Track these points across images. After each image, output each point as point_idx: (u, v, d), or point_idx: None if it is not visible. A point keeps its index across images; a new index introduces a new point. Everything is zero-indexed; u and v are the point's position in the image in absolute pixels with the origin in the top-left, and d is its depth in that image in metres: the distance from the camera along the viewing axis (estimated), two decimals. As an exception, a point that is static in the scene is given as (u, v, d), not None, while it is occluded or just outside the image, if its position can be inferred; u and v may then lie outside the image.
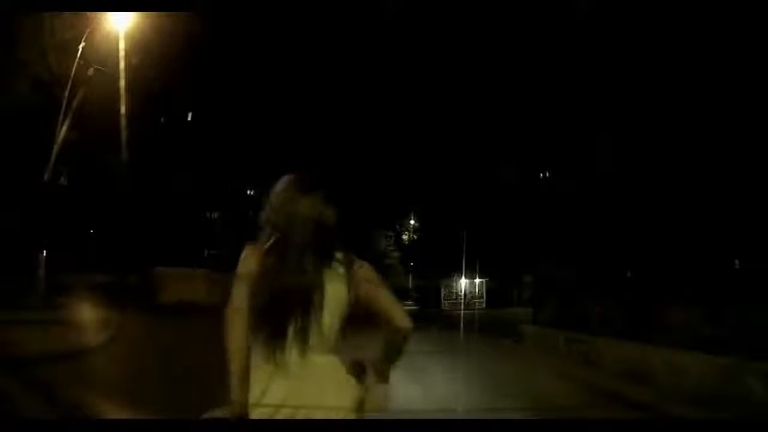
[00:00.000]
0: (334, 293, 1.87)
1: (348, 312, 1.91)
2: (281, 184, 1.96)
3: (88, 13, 12.25)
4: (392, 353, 1.95)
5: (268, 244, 1.89)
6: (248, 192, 30.73)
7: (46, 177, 12.96)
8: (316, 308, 1.84)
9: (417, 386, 6.68)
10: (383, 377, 1.93)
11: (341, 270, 1.90)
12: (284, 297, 1.83)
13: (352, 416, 1.86)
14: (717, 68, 11.25)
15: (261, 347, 1.84)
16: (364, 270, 1.93)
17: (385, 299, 1.94)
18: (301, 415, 1.78)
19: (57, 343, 7.60)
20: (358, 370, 1.95)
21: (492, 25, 19.38)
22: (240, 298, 1.85)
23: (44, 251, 12.95)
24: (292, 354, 1.82)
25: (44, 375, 5.80)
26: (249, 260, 1.87)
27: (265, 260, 1.86)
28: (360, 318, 1.96)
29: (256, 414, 1.83)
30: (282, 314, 1.83)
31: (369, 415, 1.91)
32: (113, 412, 4.39)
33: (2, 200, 14.73)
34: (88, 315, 10.71)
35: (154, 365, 6.91)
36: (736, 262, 12.22)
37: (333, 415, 1.80)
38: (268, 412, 1.80)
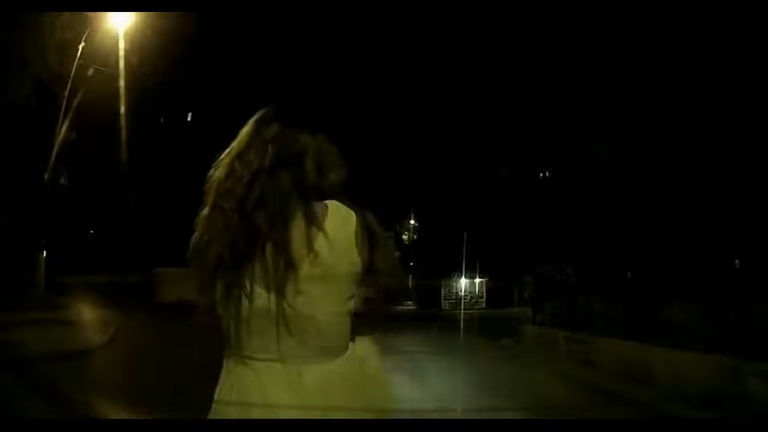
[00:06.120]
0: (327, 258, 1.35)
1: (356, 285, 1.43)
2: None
3: (88, 13, 12.25)
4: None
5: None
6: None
7: (46, 177, 12.97)
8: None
9: (417, 386, 6.67)
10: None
11: (332, 225, 1.38)
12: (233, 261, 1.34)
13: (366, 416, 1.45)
14: (717, 68, 11.24)
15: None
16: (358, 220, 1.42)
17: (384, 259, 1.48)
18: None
19: (57, 343, 7.61)
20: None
21: (492, 25, 19.37)
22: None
23: (44, 251, 12.96)
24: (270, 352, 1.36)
25: (44, 375, 5.80)
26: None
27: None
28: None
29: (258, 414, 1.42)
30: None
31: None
32: (113, 412, 4.39)
33: (2, 200, 14.73)
34: (88, 315, 10.74)
35: (154, 365, 6.90)
36: (737, 262, 12.21)
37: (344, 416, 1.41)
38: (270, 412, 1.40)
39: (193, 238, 1.41)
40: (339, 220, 1.39)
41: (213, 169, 1.44)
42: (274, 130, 1.43)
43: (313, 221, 1.35)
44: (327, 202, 1.42)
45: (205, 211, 1.41)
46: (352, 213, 1.42)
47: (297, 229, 1.34)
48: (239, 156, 1.41)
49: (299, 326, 1.34)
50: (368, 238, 1.42)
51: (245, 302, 1.34)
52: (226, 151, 1.45)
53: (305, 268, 1.33)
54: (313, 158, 1.44)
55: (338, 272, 1.37)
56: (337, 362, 1.41)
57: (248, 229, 1.33)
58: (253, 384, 1.37)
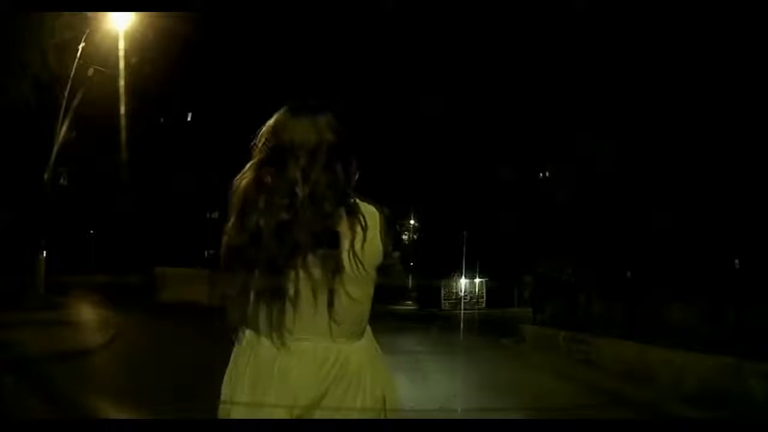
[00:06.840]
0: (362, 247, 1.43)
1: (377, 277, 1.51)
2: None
3: (88, 13, 12.25)
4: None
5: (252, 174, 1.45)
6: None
7: (46, 177, 12.98)
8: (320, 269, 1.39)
9: (416, 386, 6.67)
10: None
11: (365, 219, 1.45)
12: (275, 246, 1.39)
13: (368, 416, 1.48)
14: (716, 68, 11.24)
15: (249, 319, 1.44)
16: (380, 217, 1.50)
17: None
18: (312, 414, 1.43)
19: (57, 343, 7.60)
20: None
21: (492, 25, 19.38)
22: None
23: (44, 251, 12.96)
24: (279, 336, 1.41)
25: (44, 375, 5.80)
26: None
27: (248, 191, 1.43)
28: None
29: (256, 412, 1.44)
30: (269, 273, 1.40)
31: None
32: (113, 412, 4.39)
33: (2, 200, 14.73)
34: (88, 315, 10.73)
35: (154, 365, 6.90)
36: (736, 261, 12.20)
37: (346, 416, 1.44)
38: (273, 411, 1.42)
39: (224, 246, 1.45)
40: (368, 219, 1.47)
41: (239, 177, 1.47)
42: (302, 141, 1.45)
43: (355, 225, 1.43)
44: (358, 201, 1.48)
45: (233, 220, 1.44)
46: (375, 210, 1.50)
47: (341, 234, 1.42)
48: (268, 169, 1.44)
49: (340, 311, 1.41)
50: (388, 231, 1.51)
51: (285, 304, 1.40)
52: (250, 163, 1.48)
53: (347, 267, 1.41)
54: (345, 163, 1.49)
55: (368, 265, 1.45)
56: (361, 342, 1.50)
57: (289, 245, 1.38)
58: (271, 364, 1.42)
